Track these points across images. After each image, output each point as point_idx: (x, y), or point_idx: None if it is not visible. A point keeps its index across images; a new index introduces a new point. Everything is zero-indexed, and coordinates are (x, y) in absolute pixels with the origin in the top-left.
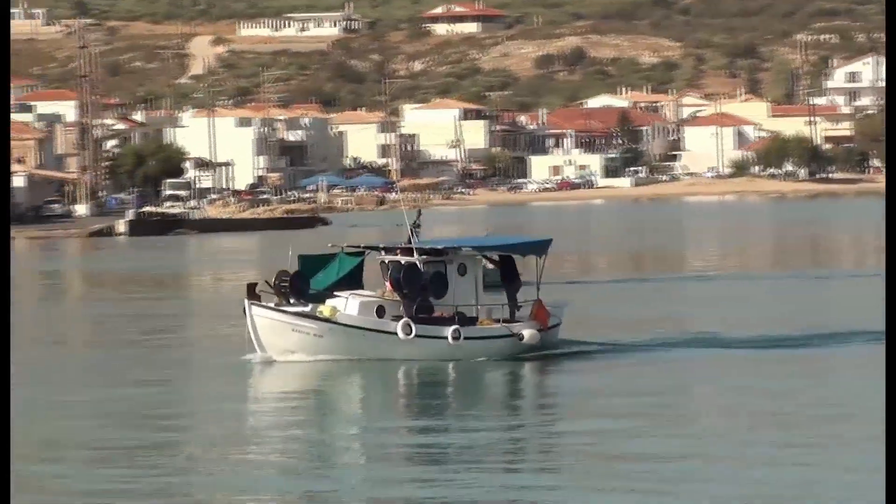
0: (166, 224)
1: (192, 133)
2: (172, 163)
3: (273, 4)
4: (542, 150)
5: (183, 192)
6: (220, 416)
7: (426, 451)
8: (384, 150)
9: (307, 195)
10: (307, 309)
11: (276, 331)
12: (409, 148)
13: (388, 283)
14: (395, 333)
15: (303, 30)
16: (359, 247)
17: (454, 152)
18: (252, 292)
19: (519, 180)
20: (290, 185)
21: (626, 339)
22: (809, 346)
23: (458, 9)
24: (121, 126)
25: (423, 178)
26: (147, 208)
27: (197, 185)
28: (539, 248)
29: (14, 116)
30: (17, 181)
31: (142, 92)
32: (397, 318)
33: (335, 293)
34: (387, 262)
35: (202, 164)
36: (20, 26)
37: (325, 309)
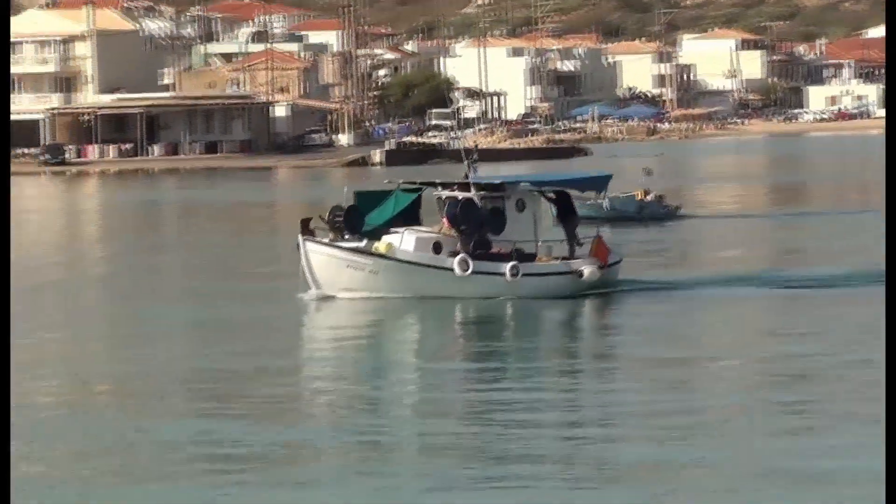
0: (423, 153)
1: (463, 63)
2: (440, 93)
3: None
4: (820, 81)
5: (447, 122)
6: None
7: (480, 402)
8: (660, 81)
9: (577, 125)
10: (362, 245)
11: (331, 267)
12: (685, 78)
13: (444, 220)
14: (452, 270)
15: None
16: (415, 183)
17: (730, 83)
18: (306, 228)
19: (795, 110)
20: (561, 115)
21: (689, 277)
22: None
23: None
24: (390, 56)
25: (698, 108)
26: (408, 138)
27: (462, 115)
28: (599, 183)
29: (280, 46)
30: (280, 111)
31: (422, 22)
32: (454, 254)
33: (391, 229)
34: (443, 197)
35: (472, 94)
36: None
37: (380, 245)
